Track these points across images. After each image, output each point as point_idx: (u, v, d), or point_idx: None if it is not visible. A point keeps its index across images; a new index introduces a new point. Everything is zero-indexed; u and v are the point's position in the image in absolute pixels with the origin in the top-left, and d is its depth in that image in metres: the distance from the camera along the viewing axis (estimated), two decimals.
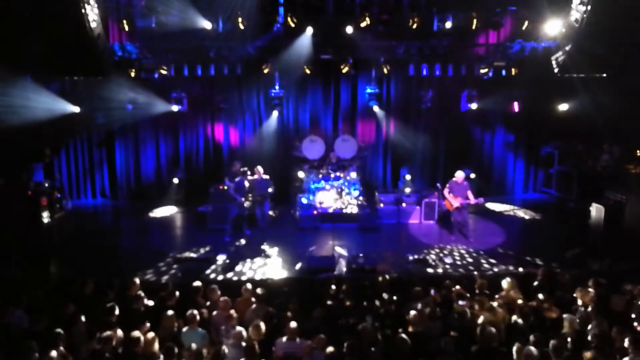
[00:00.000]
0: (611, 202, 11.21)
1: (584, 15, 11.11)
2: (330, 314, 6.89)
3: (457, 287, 7.53)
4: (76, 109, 13.43)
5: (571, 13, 11.58)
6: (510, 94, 14.41)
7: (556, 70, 12.89)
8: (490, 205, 14.03)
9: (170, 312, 6.45)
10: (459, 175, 11.10)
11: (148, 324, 6.27)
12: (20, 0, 9.98)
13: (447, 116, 15.06)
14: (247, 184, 11.34)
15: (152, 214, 13.65)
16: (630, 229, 10.38)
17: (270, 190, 12.03)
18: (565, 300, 7.08)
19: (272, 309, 7.04)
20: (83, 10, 10.15)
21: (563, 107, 14.49)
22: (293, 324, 6.20)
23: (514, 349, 5.50)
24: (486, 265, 9.61)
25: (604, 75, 12.79)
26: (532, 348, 5.34)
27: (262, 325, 6.20)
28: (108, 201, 15.09)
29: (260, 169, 12.29)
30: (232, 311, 6.71)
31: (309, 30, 12.37)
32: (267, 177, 12.32)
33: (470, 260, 9.93)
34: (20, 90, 11.50)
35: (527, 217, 13.39)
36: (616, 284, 7.47)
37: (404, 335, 5.79)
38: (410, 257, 9.87)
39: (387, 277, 8.39)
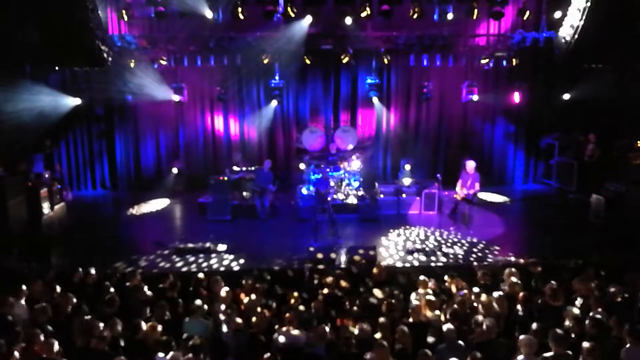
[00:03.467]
0: (611, 193, 11.22)
1: (586, 6, 11.06)
2: (330, 305, 6.90)
3: (457, 278, 7.54)
4: (77, 101, 13.41)
5: (573, 3, 11.52)
6: (511, 85, 14.38)
7: (557, 61, 12.85)
8: (489, 196, 14.02)
9: (162, 302, 6.47)
10: (469, 165, 11.02)
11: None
12: None
13: (448, 107, 15.04)
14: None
15: (148, 206, 13.59)
16: (631, 219, 10.38)
17: (271, 186, 12.05)
18: (565, 290, 7.09)
19: (272, 299, 7.06)
20: (83, 1, 10.10)
21: (564, 97, 14.45)
22: (293, 315, 6.21)
23: (515, 339, 5.53)
24: (486, 256, 9.62)
25: (606, 65, 12.74)
26: (532, 338, 5.36)
27: (264, 316, 6.23)
28: (108, 192, 15.11)
29: (268, 162, 12.34)
30: (234, 302, 6.73)
31: (308, 18, 12.32)
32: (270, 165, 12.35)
33: (470, 250, 9.93)
34: (21, 93, 11.45)
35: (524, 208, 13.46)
36: (616, 275, 7.49)
37: (404, 328, 5.80)
38: (410, 248, 9.89)
39: (386, 268, 8.39)
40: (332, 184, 12.28)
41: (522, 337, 5.41)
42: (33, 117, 11.75)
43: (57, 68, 12.86)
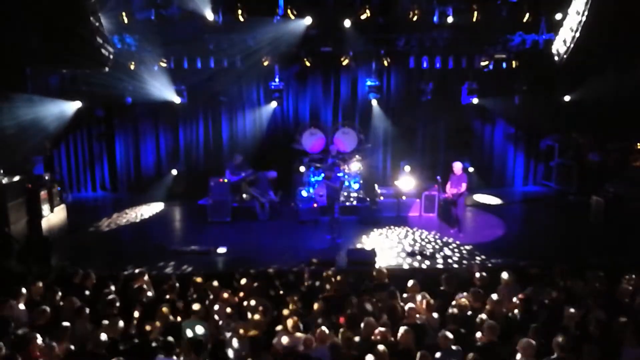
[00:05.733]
0: (611, 195, 11.23)
1: (585, 8, 11.05)
2: (330, 307, 6.89)
3: (456, 280, 7.53)
4: (77, 104, 13.40)
5: (572, 5, 11.51)
6: (511, 87, 14.38)
7: (557, 63, 12.84)
8: (485, 198, 14.04)
9: (164, 307, 6.47)
10: (456, 166, 11.10)
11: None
12: None
13: (448, 109, 15.02)
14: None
15: (145, 209, 13.56)
16: (631, 221, 10.39)
17: (273, 196, 12.09)
18: (564, 292, 7.08)
19: (271, 302, 7.06)
20: (83, 2, 10.09)
21: (564, 99, 14.45)
22: (293, 318, 6.20)
23: (515, 341, 5.52)
24: (485, 259, 9.61)
25: (606, 67, 12.74)
26: (531, 340, 5.35)
27: (263, 319, 6.22)
28: (108, 194, 15.10)
29: (272, 173, 12.58)
30: (233, 304, 6.73)
31: (307, 19, 12.32)
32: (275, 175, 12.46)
33: (468, 253, 9.92)
34: (25, 106, 11.45)
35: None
36: (616, 276, 7.48)
37: (406, 328, 5.78)
38: (409, 250, 9.89)
39: (385, 270, 8.38)
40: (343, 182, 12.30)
41: (519, 340, 5.41)
42: (36, 124, 11.75)
43: (57, 70, 12.83)
